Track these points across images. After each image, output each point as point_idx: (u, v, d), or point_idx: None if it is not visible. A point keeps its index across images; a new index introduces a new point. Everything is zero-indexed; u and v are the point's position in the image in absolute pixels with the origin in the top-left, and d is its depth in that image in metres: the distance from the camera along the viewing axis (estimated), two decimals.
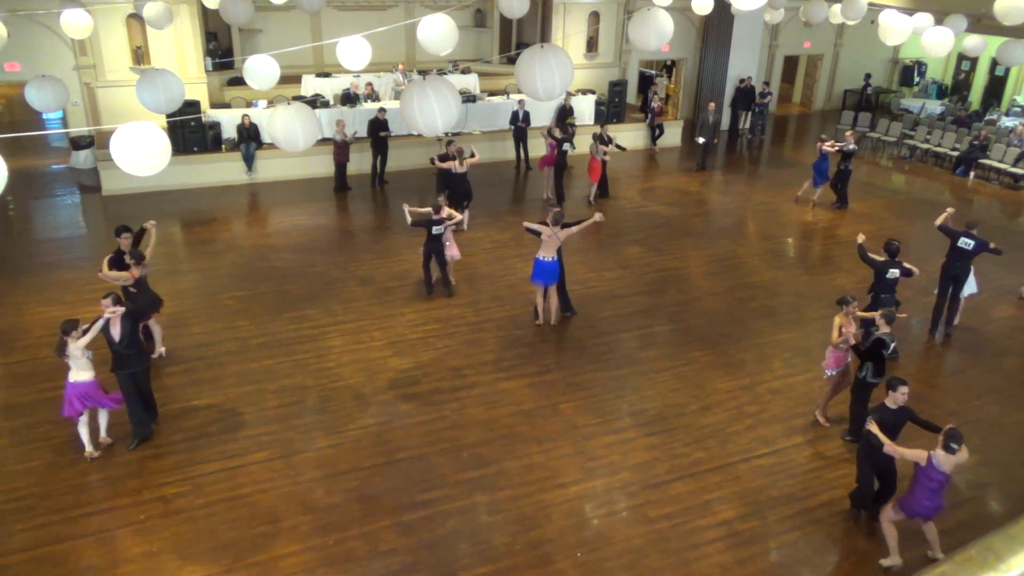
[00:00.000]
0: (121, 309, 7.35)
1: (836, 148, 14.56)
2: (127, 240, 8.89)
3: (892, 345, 7.51)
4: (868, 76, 23.63)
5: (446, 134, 12.67)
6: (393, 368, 9.24)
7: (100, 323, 7.18)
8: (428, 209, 10.77)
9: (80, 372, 7.16)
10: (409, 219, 10.49)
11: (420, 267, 11.01)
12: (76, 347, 7.04)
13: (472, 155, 12.90)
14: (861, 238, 9.54)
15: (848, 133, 15.17)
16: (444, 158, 12.95)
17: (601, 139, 14.78)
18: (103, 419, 7.60)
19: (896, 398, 6.43)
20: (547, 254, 9.79)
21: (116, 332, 7.33)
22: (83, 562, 6.30)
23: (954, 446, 5.89)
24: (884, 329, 7.49)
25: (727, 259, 12.79)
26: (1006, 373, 9.65)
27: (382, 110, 15.48)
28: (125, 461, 7.48)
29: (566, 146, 14.79)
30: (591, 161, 14.87)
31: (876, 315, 7.67)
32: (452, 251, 11.08)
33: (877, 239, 10.33)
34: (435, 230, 10.56)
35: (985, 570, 1.46)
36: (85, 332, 7.16)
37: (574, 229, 9.90)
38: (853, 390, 7.88)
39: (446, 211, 10.68)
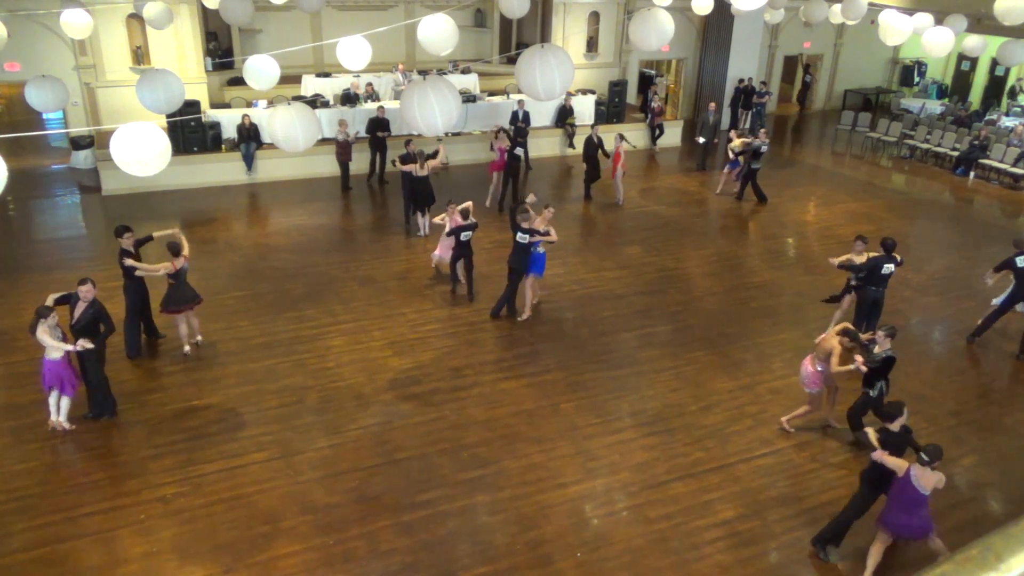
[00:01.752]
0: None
1: (744, 143, 14.97)
2: (129, 240, 8.92)
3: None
4: (807, 68, 23.60)
5: (446, 134, 12.67)
6: (393, 368, 9.24)
7: (71, 348, 7.44)
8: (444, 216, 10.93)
9: (51, 352, 7.52)
10: (449, 227, 10.60)
11: (420, 267, 11.02)
12: (41, 333, 7.38)
13: (434, 155, 12.81)
14: (834, 261, 9.54)
15: (763, 132, 15.40)
16: (405, 159, 12.83)
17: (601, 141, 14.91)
18: (64, 404, 7.81)
19: (900, 422, 6.34)
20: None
21: (76, 314, 7.67)
22: (83, 562, 6.30)
23: (925, 458, 5.81)
24: (886, 345, 7.42)
25: (727, 259, 12.79)
26: (1006, 373, 9.65)
27: (381, 108, 15.49)
28: (125, 461, 7.48)
29: (518, 150, 14.55)
30: (616, 156, 14.85)
31: (879, 333, 7.52)
32: (441, 251, 11.19)
33: (877, 239, 10.31)
34: (463, 236, 10.53)
35: (985, 570, 1.46)
36: (63, 301, 7.72)
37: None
38: (865, 409, 7.75)
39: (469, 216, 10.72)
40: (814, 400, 7.99)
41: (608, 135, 15.52)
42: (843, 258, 9.52)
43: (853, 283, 9.54)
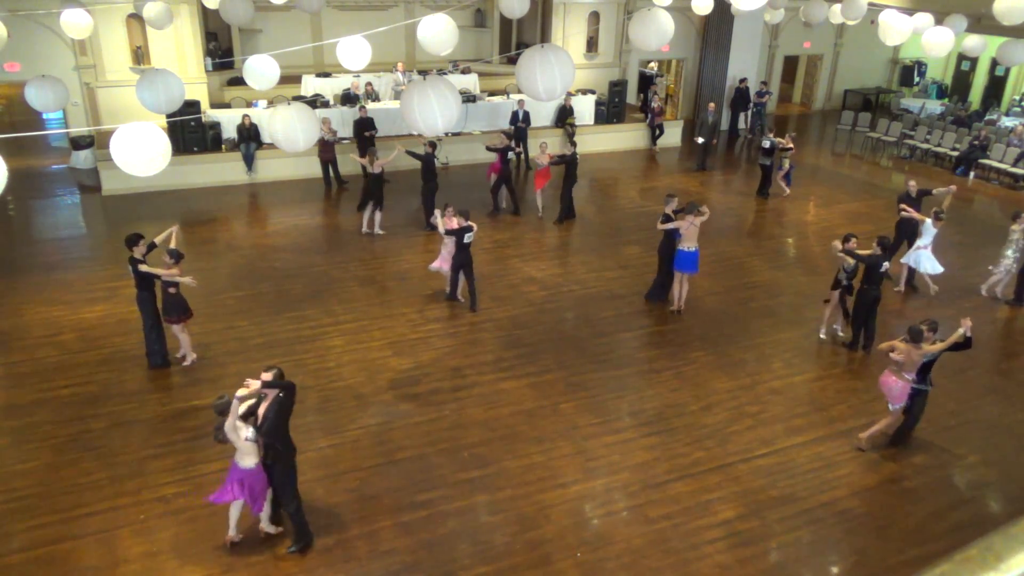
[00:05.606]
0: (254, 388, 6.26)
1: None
2: (141, 249, 8.68)
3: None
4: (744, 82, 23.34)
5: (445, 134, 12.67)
6: (393, 368, 9.24)
7: (234, 403, 6.17)
8: (439, 216, 10.71)
9: (244, 457, 6.18)
10: (442, 228, 10.20)
11: (420, 267, 11.02)
12: (228, 428, 6.10)
13: (376, 156, 12.96)
14: (837, 245, 9.47)
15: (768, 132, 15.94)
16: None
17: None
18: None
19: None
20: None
21: (260, 412, 6.28)
22: (83, 562, 6.30)
23: None
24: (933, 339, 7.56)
25: (727, 259, 12.79)
26: (1006, 373, 9.65)
27: (363, 108, 15.53)
28: (125, 461, 7.47)
29: (511, 155, 14.26)
30: (538, 171, 14.31)
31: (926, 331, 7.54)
32: (440, 263, 10.79)
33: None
34: (466, 238, 10.25)
35: (985, 570, 1.46)
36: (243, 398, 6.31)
37: None
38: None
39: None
40: (896, 414, 7.83)
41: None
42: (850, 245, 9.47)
43: (844, 282, 9.69)
